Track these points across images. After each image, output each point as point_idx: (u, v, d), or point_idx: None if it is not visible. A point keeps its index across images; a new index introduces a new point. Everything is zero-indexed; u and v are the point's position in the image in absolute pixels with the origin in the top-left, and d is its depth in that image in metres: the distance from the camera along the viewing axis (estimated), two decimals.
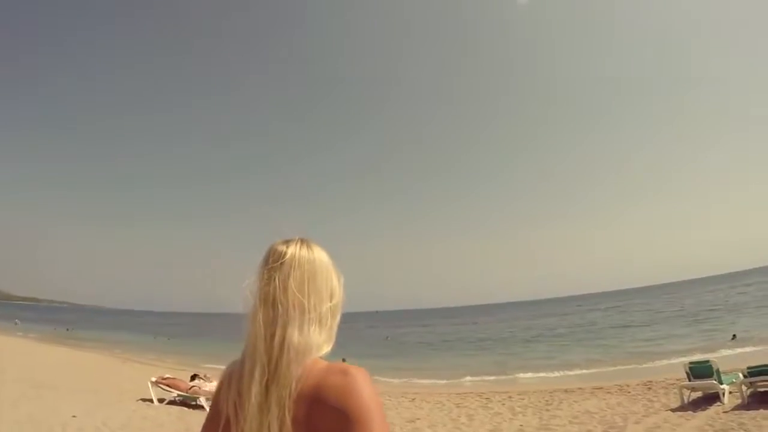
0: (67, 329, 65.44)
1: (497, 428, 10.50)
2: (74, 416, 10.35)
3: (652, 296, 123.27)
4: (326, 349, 1.44)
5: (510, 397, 14.73)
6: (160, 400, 13.57)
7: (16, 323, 67.61)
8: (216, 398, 1.48)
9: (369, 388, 1.35)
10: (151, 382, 14.10)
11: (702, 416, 9.46)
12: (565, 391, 14.82)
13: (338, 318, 1.51)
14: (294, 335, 1.38)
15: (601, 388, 14.68)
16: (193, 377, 14.85)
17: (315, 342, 1.43)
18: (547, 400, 13.37)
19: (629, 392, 13.28)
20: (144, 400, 13.57)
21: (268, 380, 1.36)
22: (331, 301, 1.49)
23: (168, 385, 14.16)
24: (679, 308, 62.06)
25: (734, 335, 27.02)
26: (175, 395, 13.85)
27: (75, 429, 9.30)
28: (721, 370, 11.07)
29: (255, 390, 1.35)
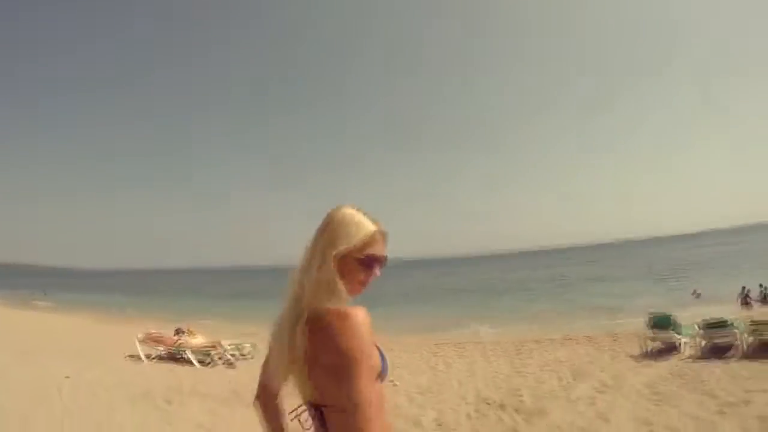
0: (44, 293, 64.60)
1: (473, 373, 11.18)
2: (67, 377, 10.63)
3: (626, 252, 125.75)
4: (338, 292, 1.71)
5: (484, 346, 15.49)
6: (148, 356, 14.01)
7: None
8: None
9: (352, 327, 1.58)
10: (138, 339, 14.50)
11: (662, 364, 10.25)
12: (536, 341, 15.61)
13: (355, 267, 1.76)
14: (310, 273, 1.72)
15: (570, 338, 15.53)
16: (177, 331, 15.33)
17: (324, 281, 1.71)
18: (518, 350, 14.12)
19: (597, 343, 14.10)
20: (132, 356, 14.01)
21: (289, 308, 1.71)
22: (337, 249, 1.73)
23: (154, 341, 14.60)
24: (649, 265, 63.69)
25: (696, 292, 28.23)
26: (162, 350, 14.29)
27: (70, 389, 9.61)
28: (680, 323, 11.95)
29: (281, 317, 1.74)
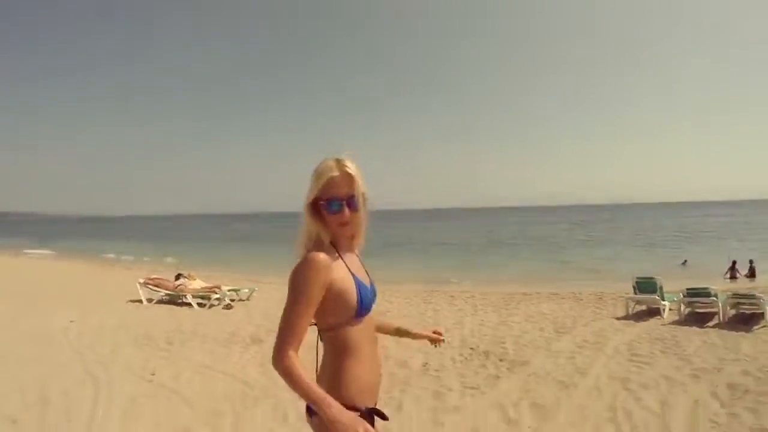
0: (40, 241, 64.56)
1: (460, 321, 11.56)
2: (72, 321, 11.24)
3: (618, 216, 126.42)
4: (313, 239, 2.06)
5: (473, 296, 15.87)
6: (149, 300, 14.48)
7: None
8: None
9: (300, 267, 1.94)
10: (139, 283, 14.91)
11: (642, 326, 10.62)
12: (524, 294, 16.02)
13: (325, 212, 2.03)
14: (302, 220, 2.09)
15: (556, 294, 15.90)
16: (178, 276, 15.60)
17: (304, 230, 2.08)
18: (506, 301, 14.50)
19: (581, 300, 14.50)
20: (133, 301, 14.49)
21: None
22: (308, 199, 2.03)
23: (155, 285, 14.94)
24: (642, 230, 64.29)
25: (685, 261, 28.79)
26: (163, 294, 14.67)
27: (76, 333, 10.19)
28: (665, 288, 12.29)
29: None
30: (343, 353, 2.05)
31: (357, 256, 2.27)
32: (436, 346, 2.90)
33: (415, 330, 2.73)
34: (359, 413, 1.95)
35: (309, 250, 2.00)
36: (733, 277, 21.81)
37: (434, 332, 2.84)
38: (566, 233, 62.56)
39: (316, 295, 1.93)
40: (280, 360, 1.88)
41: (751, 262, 22.67)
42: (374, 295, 2.21)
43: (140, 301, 14.36)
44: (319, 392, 1.79)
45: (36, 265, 30.27)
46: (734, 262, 22.58)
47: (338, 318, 2.02)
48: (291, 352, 1.87)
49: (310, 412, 2.03)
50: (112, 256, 39.23)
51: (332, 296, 1.98)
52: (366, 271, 2.25)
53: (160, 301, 14.53)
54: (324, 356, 2.11)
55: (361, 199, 2.05)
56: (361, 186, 2.05)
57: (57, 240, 65.89)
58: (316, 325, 2.09)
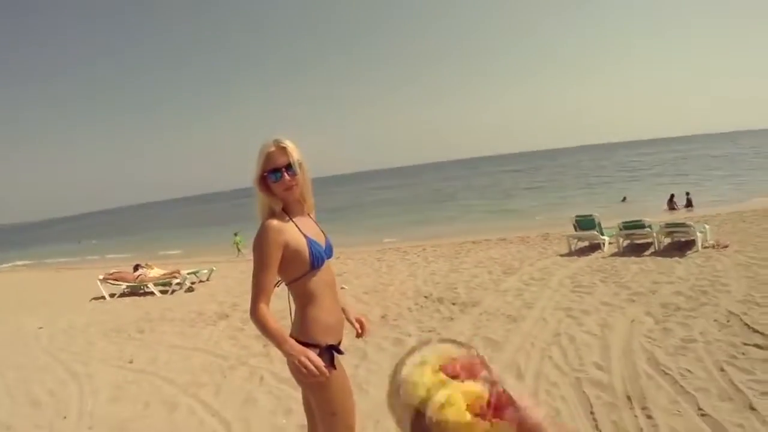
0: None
1: (413, 274, 11.97)
2: (41, 327, 11.11)
3: (560, 159, 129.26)
4: (265, 209, 2.50)
5: (424, 249, 16.37)
6: (111, 295, 14.38)
7: None
8: None
9: (258, 234, 2.40)
10: (100, 280, 14.83)
11: (584, 260, 11.22)
12: (473, 242, 16.58)
13: (270, 183, 2.47)
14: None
15: (504, 239, 16.52)
16: (136, 267, 15.55)
17: (258, 204, 2.52)
18: (456, 251, 15.00)
19: (528, 242, 15.12)
20: (96, 298, 14.37)
21: None
22: (255, 176, 2.48)
23: (116, 279, 14.89)
24: (581, 172, 66.06)
25: (624, 197, 30.01)
26: (124, 287, 14.61)
27: (47, 337, 10.15)
28: (605, 225, 12.94)
29: None
30: (305, 300, 2.51)
31: (310, 217, 2.70)
32: (359, 338, 3.05)
33: (350, 315, 2.94)
34: (319, 349, 2.43)
35: (264, 219, 2.45)
36: (672, 209, 22.90)
37: (357, 320, 2.97)
38: (511, 181, 63.86)
39: (273, 256, 2.37)
40: (253, 313, 2.36)
41: (687, 194, 23.81)
42: (330, 249, 2.66)
43: (103, 298, 14.26)
44: (280, 335, 2.29)
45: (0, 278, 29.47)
46: (672, 195, 23.71)
47: (296, 272, 2.47)
48: (261, 305, 2.35)
49: None
50: (69, 257, 38.44)
51: (288, 255, 2.41)
52: (321, 230, 2.69)
53: (123, 294, 14.45)
54: (293, 305, 2.57)
55: (297, 166, 2.45)
56: (296, 155, 2.46)
57: (9, 249, 63.76)
58: (281, 280, 2.54)
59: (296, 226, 2.48)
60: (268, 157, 2.44)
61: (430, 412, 0.67)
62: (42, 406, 6.22)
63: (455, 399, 0.66)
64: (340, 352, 2.58)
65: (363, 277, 12.43)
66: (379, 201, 56.97)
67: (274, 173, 2.43)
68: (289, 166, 2.42)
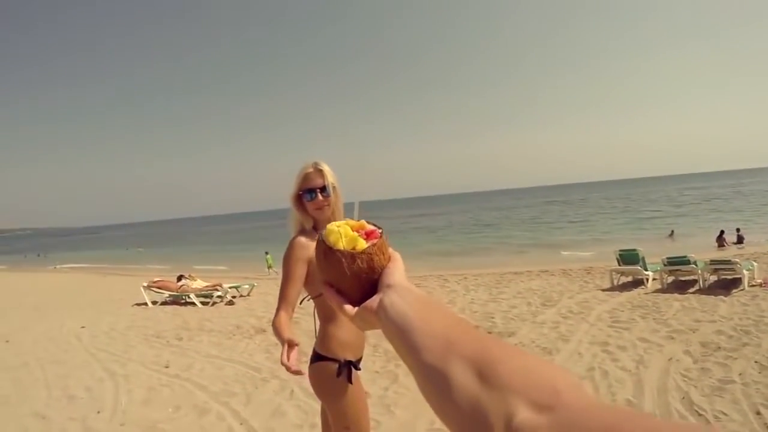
0: (38, 255, 64.78)
1: (452, 302, 11.94)
2: (83, 327, 11.79)
3: (612, 191, 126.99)
4: (297, 225, 2.79)
5: (465, 277, 16.31)
6: (153, 302, 14.94)
7: None
8: None
9: (286, 249, 2.66)
10: (143, 287, 15.43)
11: (626, 295, 11.05)
12: (515, 273, 16.45)
13: (304, 201, 2.73)
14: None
15: (546, 271, 16.35)
16: (180, 278, 16.04)
17: (291, 219, 2.81)
18: (497, 281, 14.90)
19: (570, 275, 14.93)
20: (138, 304, 14.95)
21: None
22: (292, 194, 2.76)
23: (159, 287, 15.43)
24: (629, 205, 64.79)
25: (672, 232, 29.35)
26: (167, 296, 15.12)
27: (89, 336, 10.76)
28: (650, 260, 12.72)
29: None
30: (327, 316, 2.70)
31: None
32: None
33: None
34: (338, 363, 2.62)
35: (294, 235, 2.70)
36: (721, 246, 22.28)
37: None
38: (556, 213, 63.00)
39: (298, 269, 2.59)
40: (273, 320, 2.51)
41: (738, 230, 23.17)
42: None
43: (145, 304, 14.80)
44: (282, 334, 2.37)
45: (36, 278, 30.73)
46: (722, 232, 23.06)
47: (319, 288, 2.61)
48: (281, 313, 2.50)
49: (310, 360, 2.73)
50: (116, 263, 39.68)
51: (313, 270, 2.61)
52: None
53: (165, 303, 14.96)
54: (318, 320, 2.75)
55: (332, 188, 2.70)
56: (331, 179, 2.71)
57: (55, 253, 66.16)
58: (308, 294, 2.73)
59: None
60: (305, 178, 2.70)
61: (324, 233, 0.88)
62: (77, 400, 6.59)
63: (343, 225, 0.89)
64: (357, 368, 2.74)
65: None
66: (419, 228, 56.84)
67: (309, 193, 2.67)
68: (324, 188, 2.67)
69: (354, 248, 0.86)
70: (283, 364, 2.24)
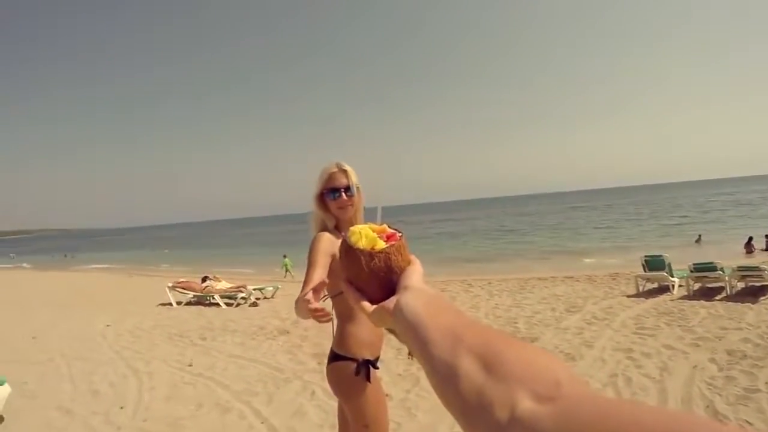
0: (65, 255, 66.22)
1: (476, 306, 11.94)
2: (108, 325, 12.05)
3: (633, 197, 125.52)
4: (319, 223, 2.81)
5: (489, 282, 16.23)
6: (178, 303, 15.21)
7: (11, 257, 68.10)
8: None
9: (312, 242, 2.66)
10: (168, 287, 15.69)
11: (651, 302, 10.92)
12: (539, 279, 16.34)
13: (327, 200, 2.77)
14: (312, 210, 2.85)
15: (571, 277, 16.21)
16: (204, 279, 16.26)
17: (313, 218, 2.84)
18: (521, 286, 14.80)
19: (595, 281, 14.78)
20: (163, 304, 15.24)
21: None
22: (315, 193, 2.81)
23: (184, 288, 15.69)
24: (657, 210, 63.94)
25: (699, 238, 28.86)
26: (191, 296, 15.38)
27: (114, 334, 11.01)
28: (676, 266, 12.56)
29: None
30: (345, 315, 2.73)
31: None
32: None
33: None
34: (357, 362, 2.64)
35: (318, 232, 2.72)
36: (749, 252, 21.89)
37: None
38: (583, 218, 62.41)
39: (323, 258, 2.58)
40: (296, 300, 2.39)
41: (766, 236, 22.76)
42: None
43: (170, 304, 15.06)
44: (301, 298, 2.25)
45: (63, 277, 31.39)
46: (750, 238, 22.65)
47: (339, 287, 2.64)
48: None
49: (328, 360, 2.77)
50: (142, 264, 40.28)
51: (334, 268, 2.59)
52: None
53: (189, 303, 15.22)
54: (336, 319, 2.74)
55: (355, 189, 2.74)
56: (355, 179, 2.75)
57: (82, 253, 67.55)
58: (328, 295, 2.68)
59: None
60: (329, 177, 2.74)
61: (347, 233, 0.96)
62: (101, 395, 6.76)
63: (364, 228, 0.96)
64: (375, 367, 2.75)
65: None
66: (443, 233, 56.62)
67: (333, 192, 2.71)
68: (348, 188, 2.72)
69: (373, 248, 0.93)
70: (310, 308, 2.06)
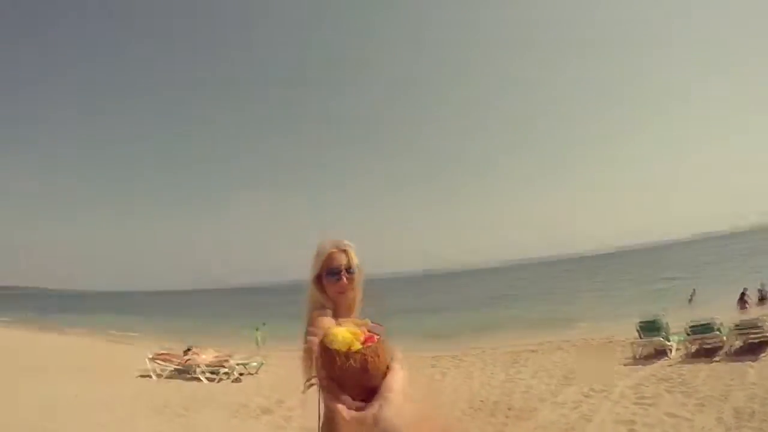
0: (39, 314, 64.42)
1: (466, 383, 11.48)
2: (76, 396, 11.05)
3: (619, 261, 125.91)
4: (314, 304, 2.43)
5: (480, 356, 15.75)
6: (159, 375, 14.45)
7: None
8: None
9: (312, 324, 2.30)
10: (149, 358, 15.02)
11: (650, 368, 10.54)
12: (531, 351, 15.85)
13: (325, 282, 2.43)
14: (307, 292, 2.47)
15: (567, 342, 15.84)
16: (187, 351, 15.72)
17: (308, 298, 2.46)
18: (514, 359, 14.35)
19: (590, 349, 14.37)
20: (143, 376, 14.44)
21: None
22: (311, 275, 2.45)
23: (164, 360, 15.05)
24: (644, 272, 63.89)
25: (691, 296, 28.58)
26: (172, 368, 14.69)
27: (82, 406, 10.06)
28: (668, 327, 12.23)
29: None
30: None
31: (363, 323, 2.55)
32: None
33: None
34: None
35: (314, 313, 2.38)
36: (743, 307, 21.53)
37: None
38: (571, 284, 62.06)
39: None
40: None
41: (760, 288, 22.51)
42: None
43: (150, 376, 14.28)
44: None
45: (36, 338, 29.49)
46: (744, 291, 22.34)
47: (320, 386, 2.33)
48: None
49: None
50: (121, 330, 38.77)
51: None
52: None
53: (171, 375, 14.41)
54: (323, 407, 2.29)
55: (357, 270, 2.44)
56: (356, 259, 2.44)
57: (65, 313, 65.62)
58: (313, 381, 2.32)
59: None
60: (329, 258, 2.44)
61: (324, 336, 1.01)
62: None
63: (341, 330, 1.02)
64: None
65: (415, 384, 11.91)
66: (429, 307, 55.88)
67: (333, 274, 2.41)
68: (349, 269, 2.42)
69: (349, 348, 1.01)
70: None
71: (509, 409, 8.46)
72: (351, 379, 0.98)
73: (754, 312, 19.17)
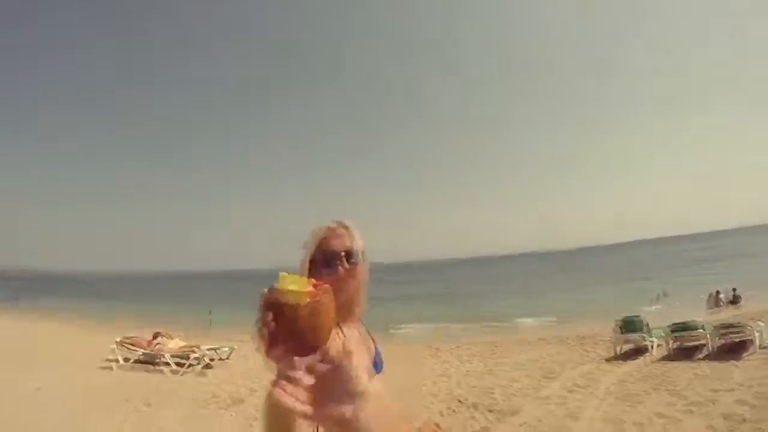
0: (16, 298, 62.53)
1: (446, 374, 11.24)
2: (38, 388, 10.27)
3: (594, 257, 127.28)
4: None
5: (458, 347, 15.57)
6: (126, 360, 13.70)
7: None
8: None
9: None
10: (116, 343, 14.30)
11: (631, 365, 10.43)
12: (510, 343, 15.78)
13: (319, 267, 1.80)
14: None
15: (543, 339, 15.70)
16: (156, 335, 15.08)
17: None
18: (492, 351, 14.22)
19: (568, 344, 14.27)
20: (109, 360, 13.64)
21: None
22: (305, 258, 1.80)
23: (132, 344, 14.34)
24: (615, 270, 64.61)
25: (659, 294, 28.98)
26: (140, 353, 14.01)
27: (44, 399, 9.45)
28: (650, 325, 12.15)
29: None
30: None
31: (356, 326, 1.87)
32: None
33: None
34: None
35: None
36: (717, 306, 21.77)
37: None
38: (547, 280, 62.48)
39: None
40: None
41: (734, 290, 22.73)
42: (378, 364, 1.97)
43: (116, 361, 13.51)
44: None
45: (12, 324, 28.41)
46: (717, 292, 22.62)
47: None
48: None
49: None
50: (96, 315, 37.60)
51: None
52: (371, 339, 1.99)
53: (137, 361, 13.67)
54: None
55: (359, 255, 1.75)
56: (360, 243, 1.78)
57: (45, 296, 63.70)
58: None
59: (342, 334, 1.65)
60: (321, 242, 1.75)
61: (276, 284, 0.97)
62: None
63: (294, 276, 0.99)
64: None
65: (390, 377, 11.67)
66: (410, 295, 55.86)
67: (324, 258, 1.72)
68: (349, 253, 1.72)
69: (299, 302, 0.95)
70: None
71: (492, 404, 8.24)
72: (302, 322, 0.92)
73: (726, 312, 19.37)
